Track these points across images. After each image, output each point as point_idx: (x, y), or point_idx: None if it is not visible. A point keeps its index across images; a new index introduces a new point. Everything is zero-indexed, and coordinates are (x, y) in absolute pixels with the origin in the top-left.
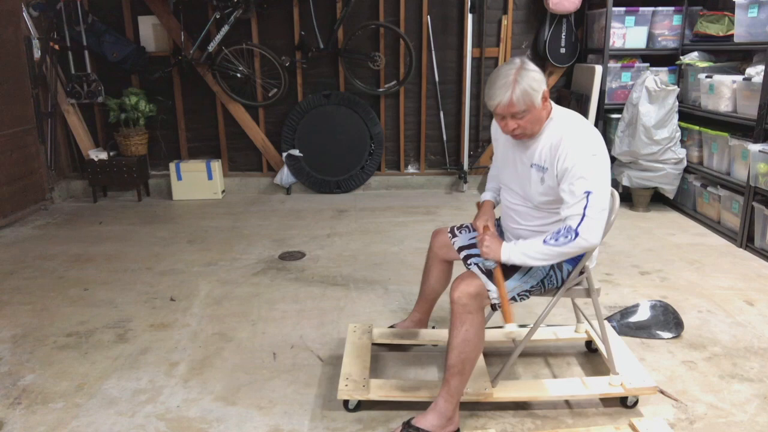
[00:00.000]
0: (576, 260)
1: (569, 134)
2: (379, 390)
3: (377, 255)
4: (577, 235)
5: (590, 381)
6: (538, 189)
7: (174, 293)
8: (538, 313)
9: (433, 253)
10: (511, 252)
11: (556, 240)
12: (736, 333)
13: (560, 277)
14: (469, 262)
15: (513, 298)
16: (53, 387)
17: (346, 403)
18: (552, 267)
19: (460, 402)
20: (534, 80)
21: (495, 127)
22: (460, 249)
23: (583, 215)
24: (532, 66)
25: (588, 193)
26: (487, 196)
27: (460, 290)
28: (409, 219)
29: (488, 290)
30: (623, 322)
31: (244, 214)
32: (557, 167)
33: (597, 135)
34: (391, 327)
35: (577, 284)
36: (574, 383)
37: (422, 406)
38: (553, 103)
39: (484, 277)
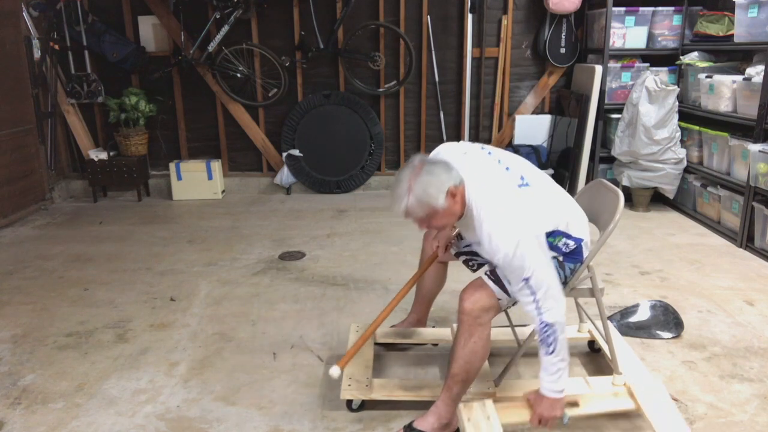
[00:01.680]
0: (577, 258)
1: (489, 232)
2: (382, 390)
3: (377, 255)
4: (548, 325)
5: (593, 381)
6: (482, 248)
7: (174, 293)
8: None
9: (426, 254)
10: (554, 390)
11: (548, 345)
12: (736, 333)
13: (562, 275)
14: (472, 264)
15: (514, 305)
16: (53, 387)
17: (349, 403)
18: (555, 268)
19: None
20: (430, 185)
21: None
22: (458, 254)
23: (536, 304)
24: (429, 168)
25: (526, 279)
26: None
27: (472, 301)
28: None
29: (499, 299)
30: (623, 322)
31: (244, 214)
32: (487, 251)
33: (514, 218)
34: (392, 327)
35: (582, 283)
36: (578, 383)
37: (424, 406)
38: (470, 189)
39: (495, 287)
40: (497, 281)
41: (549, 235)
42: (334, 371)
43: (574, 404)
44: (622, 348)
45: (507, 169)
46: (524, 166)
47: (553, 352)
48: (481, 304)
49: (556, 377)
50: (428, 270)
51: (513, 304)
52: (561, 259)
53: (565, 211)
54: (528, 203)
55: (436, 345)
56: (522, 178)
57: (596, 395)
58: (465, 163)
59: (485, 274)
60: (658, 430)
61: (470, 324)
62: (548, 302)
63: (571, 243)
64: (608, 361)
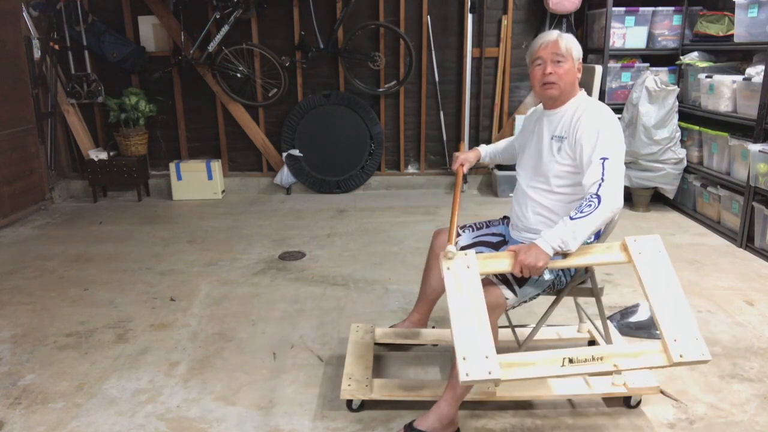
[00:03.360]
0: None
1: (589, 108)
2: (382, 390)
3: (377, 255)
4: (599, 199)
5: (593, 380)
6: (554, 159)
7: (174, 293)
8: (540, 313)
9: (434, 254)
10: (548, 243)
11: (582, 211)
12: (736, 333)
13: (569, 277)
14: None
15: (524, 301)
16: (53, 387)
17: (349, 403)
18: (561, 269)
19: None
20: (577, 43)
21: (526, 119)
22: (463, 248)
23: (602, 179)
24: None
25: (604, 159)
26: (481, 146)
27: (442, 241)
28: (409, 219)
29: (507, 299)
30: (623, 322)
31: (244, 214)
32: (576, 136)
33: (613, 115)
34: (392, 327)
35: (582, 283)
36: (577, 382)
37: (425, 406)
38: (583, 92)
39: (503, 287)
40: (504, 281)
41: None
42: (452, 249)
43: (564, 256)
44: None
45: None
46: None
47: (576, 218)
48: (487, 302)
49: (558, 237)
50: (435, 270)
51: (519, 304)
52: None
53: None
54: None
55: (436, 345)
56: None
57: (596, 395)
58: None
59: (493, 276)
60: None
61: (438, 259)
62: (614, 187)
63: None
64: None
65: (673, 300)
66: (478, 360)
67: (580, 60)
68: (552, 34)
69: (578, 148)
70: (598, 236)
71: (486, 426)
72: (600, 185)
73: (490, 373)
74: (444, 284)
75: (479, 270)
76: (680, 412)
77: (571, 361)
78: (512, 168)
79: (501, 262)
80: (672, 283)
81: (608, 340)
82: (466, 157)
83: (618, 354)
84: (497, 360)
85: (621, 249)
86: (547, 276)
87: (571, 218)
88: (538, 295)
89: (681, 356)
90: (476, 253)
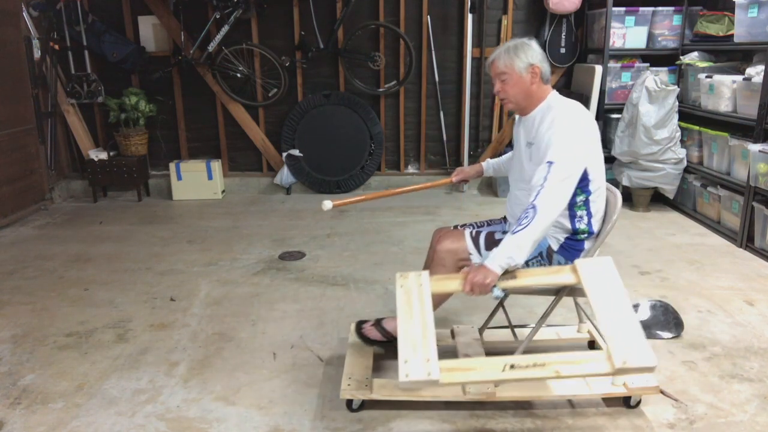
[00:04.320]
0: (571, 256)
1: (555, 112)
2: (381, 389)
3: (377, 255)
4: (535, 210)
5: (593, 381)
6: (530, 167)
7: (174, 293)
8: (540, 313)
9: (435, 254)
10: (496, 262)
11: (521, 224)
12: (736, 333)
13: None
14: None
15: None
16: (53, 387)
17: (349, 403)
18: (539, 253)
19: (454, 401)
20: (523, 49)
21: (515, 124)
22: (479, 232)
23: (542, 186)
24: (531, 43)
25: (550, 163)
26: (486, 161)
27: (443, 245)
28: (409, 219)
29: (470, 254)
30: None
31: (244, 214)
32: (538, 140)
33: (583, 117)
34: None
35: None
36: (577, 383)
37: (424, 405)
38: (555, 92)
39: (470, 242)
40: (474, 240)
41: (581, 186)
42: (327, 203)
43: (512, 277)
44: None
45: None
46: None
47: (518, 232)
48: (449, 248)
49: (505, 255)
50: (442, 274)
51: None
52: (556, 247)
53: (602, 182)
54: (596, 131)
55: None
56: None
57: (596, 395)
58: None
59: (468, 232)
60: None
61: (436, 262)
62: (550, 194)
63: (585, 221)
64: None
65: (620, 312)
66: (418, 362)
67: (532, 64)
68: (492, 54)
69: (539, 151)
70: (579, 251)
71: (486, 426)
72: (539, 193)
73: (429, 374)
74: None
75: (431, 289)
76: (680, 412)
77: (512, 366)
78: None
79: (452, 282)
80: (620, 298)
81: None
82: (467, 172)
83: (561, 361)
84: (437, 364)
85: (571, 271)
86: (496, 293)
87: (513, 233)
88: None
89: (624, 362)
90: (490, 232)
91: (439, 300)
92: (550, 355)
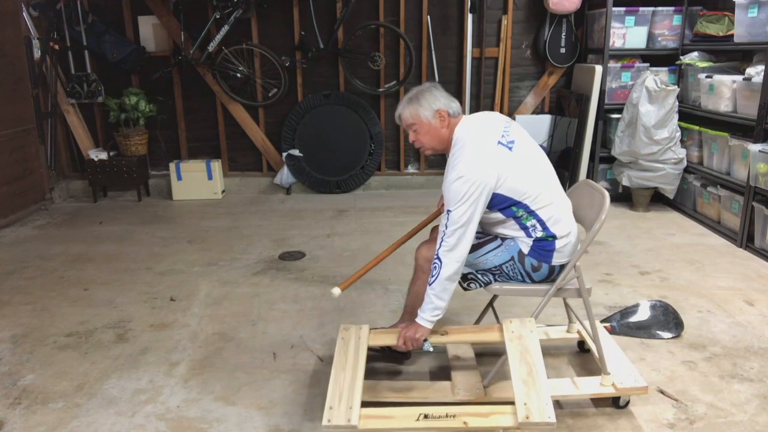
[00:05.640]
0: (543, 256)
1: (451, 156)
2: (371, 391)
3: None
4: (440, 260)
5: (581, 381)
6: None
7: (174, 293)
8: (530, 313)
9: (419, 266)
10: (423, 318)
11: (432, 275)
12: (736, 333)
13: (522, 271)
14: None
15: (472, 275)
16: (53, 387)
17: None
18: (512, 257)
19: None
20: (426, 97)
21: None
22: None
23: (444, 234)
24: (432, 89)
25: (448, 211)
26: None
27: (420, 252)
28: (409, 219)
29: None
30: (623, 322)
31: (244, 214)
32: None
33: (471, 155)
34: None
35: (569, 284)
36: (565, 383)
37: (422, 406)
38: (460, 125)
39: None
40: None
41: (513, 204)
42: (335, 291)
43: (443, 333)
44: (610, 348)
45: (505, 130)
46: (528, 142)
47: (431, 284)
48: (428, 256)
49: (429, 308)
50: (423, 280)
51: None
52: (526, 251)
53: (538, 191)
54: (497, 159)
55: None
56: (511, 142)
57: (584, 396)
58: (476, 115)
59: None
60: None
61: (416, 270)
62: (450, 241)
63: (539, 228)
64: (597, 361)
65: (532, 370)
66: (341, 410)
67: (436, 110)
68: (397, 109)
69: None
70: (551, 251)
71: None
72: (441, 242)
73: (348, 420)
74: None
75: (369, 342)
76: (680, 412)
77: (426, 416)
78: None
79: (389, 337)
80: (534, 356)
81: (596, 340)
82: None
83: (470, 413)
84: (358, 412)
85: (497, 330)
86: (430, 348)
87: (429, 284)
88: (491, 278)
89: (527, 417)
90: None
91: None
92: (460, 408)
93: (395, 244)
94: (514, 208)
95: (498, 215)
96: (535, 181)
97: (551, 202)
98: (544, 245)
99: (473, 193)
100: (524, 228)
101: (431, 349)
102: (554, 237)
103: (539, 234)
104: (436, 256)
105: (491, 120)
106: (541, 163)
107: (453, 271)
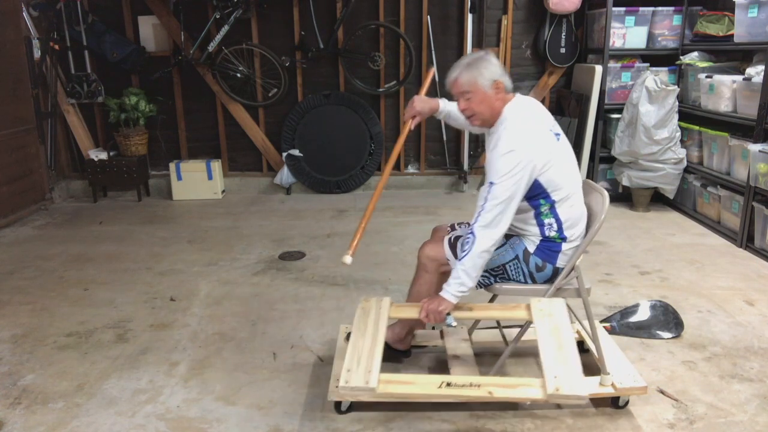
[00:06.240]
0: (549, 257)
1: (503, 129)
2: None
3: (377, 255)
4: (473, 235)
5: (488, 378)
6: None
7: (174, 293)
8: None
9: (422, 265)
10: (448, 292)
11: (464, 250)
12: (736, 333)
13: (526, 270)
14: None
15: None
16: (53, 387)
17: (338, 405)
18: (516, 256)
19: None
20: (485, 66)
21: None
22: (457, 238)
23: (481, 209)
24: (490, 57)
25: (491, 183)
26: (442, 99)
27: (424, 251)
28: (409, 219)
29: (448, 259)
30: (623, 322)
31: (244, 214)
32: (489, 160)
33: (528, 135)
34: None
35: (568, 284)
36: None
37: (417, 407)
38: (512, 102)
39: (448, 251)
40: (452, 247)
41: (543, 197)
42: (348, 259)
43: (468, 309)
44: (610, 348)
45: (553, 120)
46: (567, 140)
47: (461, 259)
48: (431, 255)
49: (455, 282)
50: (425, 279)
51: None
52: (532, 249)
53: (569, 190)
54: (547, 143)
55: (425, 347)
56: (557, 133)
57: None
58: (526, 97)
59: (447, 238)
60: None
61: (419, 269)
62: (488, 216)
63: (554, 228)
64: (596, 362)
65: (562, 345)
66: (360, 372)
67: (495, 80)
68: (452, 73)
69: (488, 169)
70: (556, 253)
71: (486, 426)
72: (478, 216)
73: (367, 382)
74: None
75: (391, 313)
76: (680, 412)
77: (448, 384)
78: None
79: (411, 310)
80: (565, 334)
81: (596, 340)
82: (421, 110)
83: (496, 384)
84: (377, 375)
85: (524, 309)
86: (453, 323)
87: (459, 260)
88: (493, 279)
89: (557, 389)
90: (459, 238)
91: (409, 325)
92: (486, 378)
93: (378, 190)
94: (541, 200)
95: (522, 203)
96: (570, 180)
97: (574, 204)
98: (551, 245)
99: (521, 170)
100: (540, 225)
101: (454, 324)
102: (564, 239)
103: (552, 233)
104: (470, 231)
105: (541, 106)
106: (575, 165)
107: (485, 248)
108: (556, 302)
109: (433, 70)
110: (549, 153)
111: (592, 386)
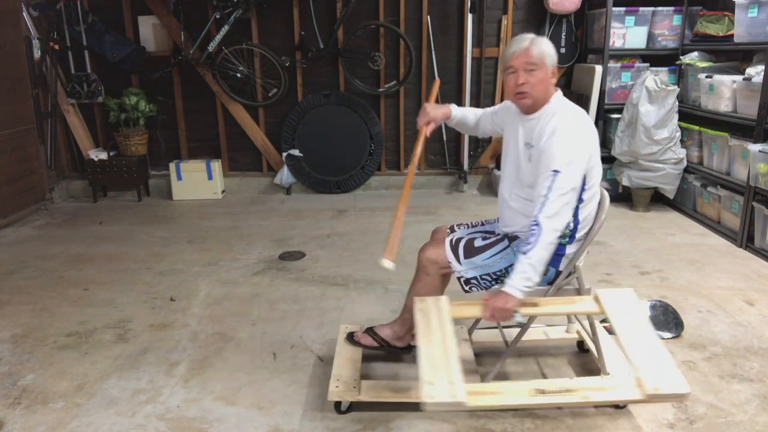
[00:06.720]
0: (552, 258)
1: (559, 116)
2: (370, 391)
3: (377, 255)
4: (539, 226)
5: (580, 381)
6: (527, 168)
7: (174, 293)
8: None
9: (422, 267)
10: (514, 287)
11: (529, 243)
12: (736, 333)
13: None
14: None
15: (475, 280)
16: (53, 387)
17: (337, 405)
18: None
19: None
20: (550, 47)
21: (503, 112)
22: (458, 240)
23: (545, 197)
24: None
25: (556, 172)
26: (452, 105)
27: (425, 254)
28: (409, 219)
29: (449, 262)
30: None
31: (244, 214)
32: (541, 144)
33: (586, 124)
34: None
35: (568, 284)
36: (564, 384)
37: (417, 407)
38: (558, 92)
39: (450, 253)
40: (454, 249)
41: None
42: (388, 264)
43: (533, 305)
44: (609, 348)
45: None
46: None
47: (527, 252)
48: (432, 258)
49: (521, 277)
50: (426, 282)
51: (470, 287)
52: None
53: (596, 190)
54: (596, 137)
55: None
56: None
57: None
58: None
59: (449, 240)
60: None
61: (420, 271)
62: (555, 206)
63: (570, 227)
64: (596, 362)
65: (647, 340)
66: (443, 385)
67: (555, 65)
68: (524, 41)
69: (541, 155)
70: (560, 257)
71: (486, 426)
72: (542, 205)
73: (454, 397)
74: (438, 294)
75: (451, 314)
76: (680, 412)
77: (543, 392)
78: None
79: (473, 309)
80: (645, 326)
81: (596, 341)
82: (434, 116)
83: (589, 387)
84: (463, 387)
85: (594, 302)
86: (518, 318)
87: (524, 253)
88: (494, 282)
89: (656, 389)
90: (470, 239)
91: (409, 323)
92: (579, 381)
93: (405, 194)
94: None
95: None
96: (599, 178)
97: (593, 205)
98: (558, 249)
99: (582, 159)
100: None
101: (524, 320)
102: (570, 241)
103: (567, 231)
104: (535, 222)
105: None
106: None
107: (551, 240)
108: (626, 293)
109: (439, 81)
110: (596, 146)
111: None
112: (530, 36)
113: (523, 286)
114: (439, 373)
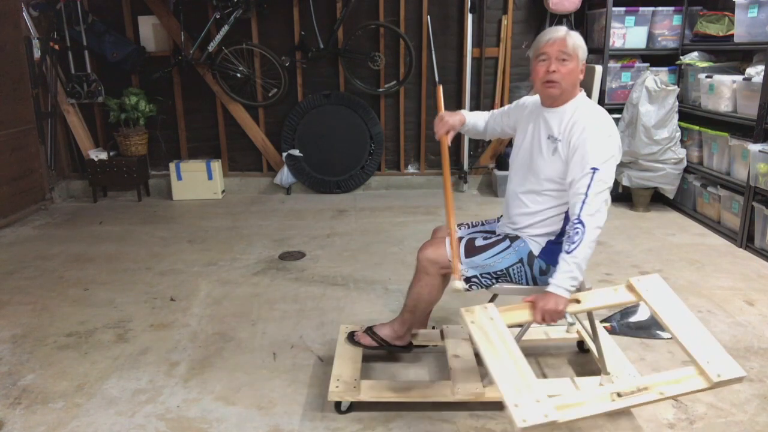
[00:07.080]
0: (551, 260)
1: (588, 112)
2: (370, 391)
3: (377, 255)
4: (583, 224)
5: (581, 381)
6: (548, 161)
7: (174, 293)
8: None
9: (422, 267)
10: (560, 287)
11: (573, 242)
12: (736, 333)
13: (529, 274)
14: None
15: (476, 278)
16: (53, 387)
17: (338, 405)
18: (520, 259)
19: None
20: (583, 42)
21: (517, 110)
22: (459, 239)
23: (585, 196)
24: None
25: (594, 169)
26: (463, 111)
27: (425, 254)
28: (409, 219)
29: (449, 260)
30: (623, 322)
31: (244, 214)
32: (572, 140)
33: (613, 124)
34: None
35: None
36: (565, 384)
37: (417, 407)
38: (585, 95)
39: (449, 252)
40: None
41: None
42: (460, 284)
43: (575, 301)
44: (610, 348)
45: None
46: None
47: (572, 251)
48: (432, 257)
49: (567, 276)
50: (426, 282)
51: (470, 286)
52: (537, 252)
53: (611, 186)
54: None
55: (425, 347)
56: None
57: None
58: None
59: (449, 239)
60: None
61: (419, 271)
62: (596, 203)
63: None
64: (596, 362)
65: (693, 327)
66: (529, 404)
67: (584, 61)
68: (560, 30)
69: (572, 153)
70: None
71: (486, 426)
72: (583, 203)
73: (546, 416)
74: (438, 294)
75: (503, 321)
76: (680, 412)
77: (619, 395)
78: None
79: (521, 313)
80: (686, 313)
81: (596, 341)
82: (453, 124)
83: (661, 382)
84: (551, 403)
85: (630, 291)
86: (570, 319)
87: (568, 252)
88: (494, 281)
89: (719, 376)
90: (470, 238)
91: (409, 323)
92: (650, 378)
93: (449, 211)
94: None
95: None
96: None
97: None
98: (557, 248)
99: (616, 157)
100: (566, 219)
101: (573, 321)
102: None
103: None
104: (578, 220)
105: None
106: None
107: (594, 237)
108: (655, 278)
109: (441, 88)
110: (619, 144)
111: (591, 386)
112: (565, 28)
113: (570, 286)
114: (522, 392)
